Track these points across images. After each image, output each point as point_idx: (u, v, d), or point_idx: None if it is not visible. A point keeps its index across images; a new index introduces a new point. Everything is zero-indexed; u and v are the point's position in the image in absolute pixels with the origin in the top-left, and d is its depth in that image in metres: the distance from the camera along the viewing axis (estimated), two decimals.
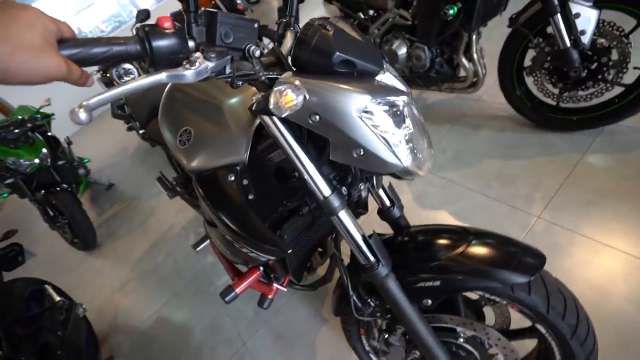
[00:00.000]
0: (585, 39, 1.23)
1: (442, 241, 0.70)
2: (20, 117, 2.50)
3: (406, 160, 0.57)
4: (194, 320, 1.68)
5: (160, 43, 0.43)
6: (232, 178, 0.75)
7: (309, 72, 0.55)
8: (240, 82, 0.53)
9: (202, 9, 0.48)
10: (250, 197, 0.76)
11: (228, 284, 1.09)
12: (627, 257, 1.07)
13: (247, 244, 0.79)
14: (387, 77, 0.59)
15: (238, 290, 1.07)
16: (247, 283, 1.09)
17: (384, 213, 0.83)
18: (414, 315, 0.70)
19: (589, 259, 1.12)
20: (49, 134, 2.67)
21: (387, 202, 0.81)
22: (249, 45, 0.51)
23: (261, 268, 1.11)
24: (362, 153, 0.55)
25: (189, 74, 0.45)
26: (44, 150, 2.39)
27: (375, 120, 0.54)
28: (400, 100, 0.57)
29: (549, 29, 1.32)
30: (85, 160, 2.95)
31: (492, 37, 1.87)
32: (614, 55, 1.28)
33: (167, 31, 0.43)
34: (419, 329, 0.71)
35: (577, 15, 1.20)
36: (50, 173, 2.45)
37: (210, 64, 0.46)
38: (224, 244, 0.93)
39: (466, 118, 1.86)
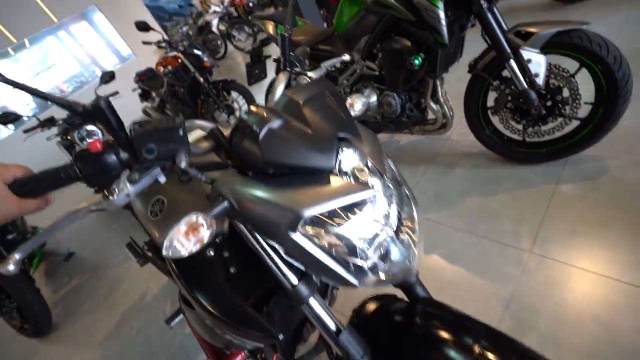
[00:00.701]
0: (540, 80, 1.33)
1: (452, 340, 0.54)
2: None
3: (366, 277, 0.52)
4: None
5: (90, 168, 0.46)
6: (212, 252, 0.67)
7: (250, 168, 0.52)
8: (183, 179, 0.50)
9: (132, 123, 0.48)
10: (232, 270, 0.68)
11: None
12: (625, 286, 1.06)
13: (229, 330, 0.68)
14: (339, 176, 0.51)
15: None
16: None
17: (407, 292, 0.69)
18: None
19: (588, 292, 1.11)
20: None
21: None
22: (178, 157, 0.48)
23: (246, 350, 0.98)
24: (310, 269, 0.52)
25: (107, 205, 0.48)
26: None
27: (322, 234, 0.49)
28: (361, 199, 0.50)
29: (506, 72, 1.43)
30: (39, 230, 2.67)
31: (451, 81, 2.01)
32: (566, 93, 1.40)
33: (97, 154, 0.45)
34: None
35: (529, 60, 1.31)
36: None
37: (132, 189, 0.48)
38: (202, 327, 0.82)
39: (439, 157, 1.92)
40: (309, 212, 0.46)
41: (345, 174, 0.51)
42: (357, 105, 0.67)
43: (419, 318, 0.60)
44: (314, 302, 0.57)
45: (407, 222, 0.58)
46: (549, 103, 1.43)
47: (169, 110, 3.70)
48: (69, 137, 2.59)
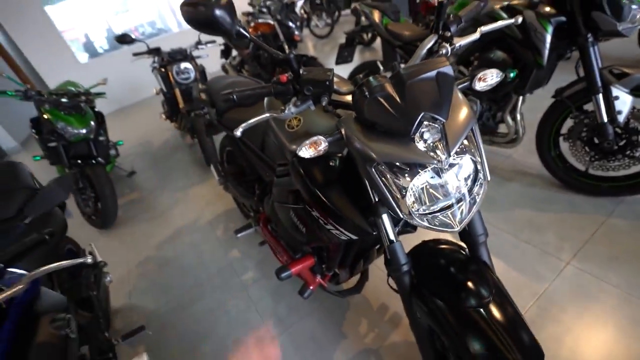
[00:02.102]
0: (621, 118, 1.46)
1: (468, 284, 0.76)
2: (74, 88, 2.62)
3: (411, 217, 0.68)
4: (218, 312, 1.68)
5: (278, 90, 0.74)
6: (333, 163, 0.88)
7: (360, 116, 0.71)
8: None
9: (303, 69, 0.73)
10: (344, 183, 0.87)
11: (282, 265, 1.16)
12: None
13: (335, 221, 0.88)
14: (422, 140, 0.66)
15: (293, 270, 1.15)
16: (302, 266, 1.17)
17: (462, 235, 0.86)
18: (412, 309, 0.86)
19: (617, 305, 1.25)
20: (96, 109, 2.77)
21: (467, 228, 0.84)
22: (322, 97, 0.74)
23: (315, 258, 1.19)
24: (377, 195, 0.72)
25: (282, 115, 0.75)
26: (92, 123, 2.47)
27: (386, 173, 0.67)
28: (420, 164, 0.65)
29: (588, 106, 1.57)
30: (120, 143, 3.02)
31: (529, 104, 2.14)
32: None
33: (283, 83, 0.74)
34: (415, 319, 0.89)
35: (617, 97, 1.45)
36: (89, 146, 2.51)
37: (294, 109, 0.75)
38: (300, 220, 1.00)
39: (498, 170, 2.06)
40: (381, 159, 0.65)
41: (425, 142, 0.66)
42: (490, 79, 0.82)
43: (463, 273, 0.78)
44: (385, 217, 0.78)
45: (471, 196, 0.72)
46: (622, 142, 1.55)
47: (246, 72, 4.00)
48: (166, 69, 2.91)
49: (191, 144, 3.64)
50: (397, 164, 0.66)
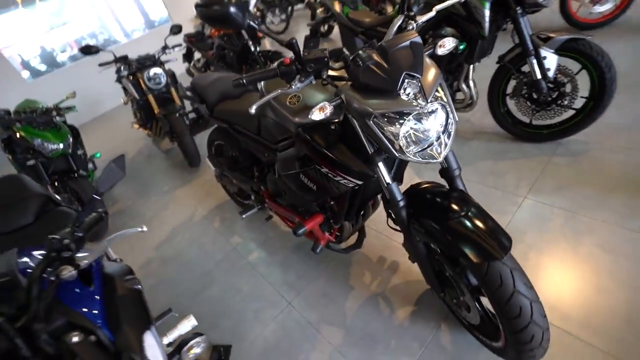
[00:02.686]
0: (551, 74, 1.78)
1: (451, 205, 0.96)
2: (44, 105, 2.58)
3: (404, 155, 0.86)
4: (231, 292, 1.81)
5: (283, 71, 0.92)
6: (334, 127, 1.06)
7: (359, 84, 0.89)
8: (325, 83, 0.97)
9: (304, 51, 0.91)
10: (344, 142, 1.06)
11: (297, 223, 1.33)
12: (604, 225, 1.51)
13: (342, 172, 1.06)
14: (405, 95, 0.84)
15: (307, 225, 1.32)
16: (313, 222, 1.34)
17: (442, 173, 1.09)
18: (412, 236, 1.06)
19: (564, 222, 1.55)
20: (69, 124, 2.74)
21: (446, 165, 1.06)
22: (322, 72, 0.92)
23: (323, 215, 1.37)
24: (376, 143, 0.90)
25: (288, 91, 0.93)
26: (69, 137, 2.46)
27: (382, 124, 0.85)
28: (407, 112, 0.83)
29: (525, 68, 1.87)
30: (98, 155, 2.99)
31: (479, 72, 2.45)
32: (568, 88, 1.84)
33: (287, 64, 0.91)
34: (415, 245, 1.08)
35: (545, 57, 1.75)
36: (67, 161, 2.50)
37: (300, 85, 0.93)
38: (310, 180, 1.17)
39: (460, 133, 2.35)
40: (377, 111, 0.84)
41: (408, 95, 0.85)
42: (447, 44, 1.05)
43: (446, 200, 0.99)
44: (381, 164, 0.97)
45: (446, 133, 0.92)
46: (554, 94, 1.87)
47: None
48: (137, 76, 2.92)
49: (168, 149, 3.66)
50: (389, 114, 0.86)
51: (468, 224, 0.92)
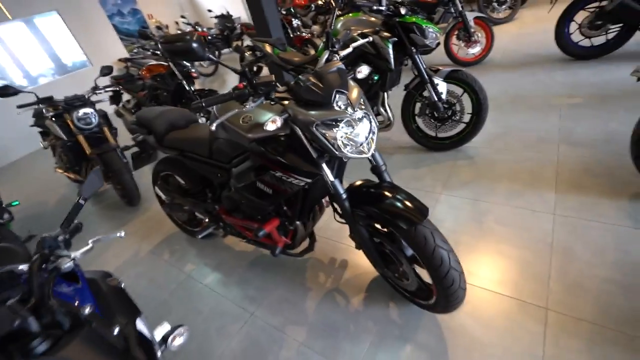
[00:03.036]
0: (443, 96, 2.29)
1: (382, 192, 1.23)
2: None
3: (342, 152, 1.08)
4: (191, 316, 1.81)
5: (239, 94, 1.11)
6: (282, 139, 1.29)
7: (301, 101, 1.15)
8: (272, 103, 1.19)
9: (253, 76, 1.15)
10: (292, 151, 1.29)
11: (256, 227, 1.48)
12: (497, 206, 1.95)
13: (294, 172, 1.26)
14: (337, 106, 1.10)
15: (266, 228, 1.48)
16: (271, 225, 1.51)
17: (373, 169, 1.38)
18: (355, 223, 1.29)
19: (471, 209, 1.96)
20: None
21: (375, 162, 1.36)
22: (271, 93, 1.14)
23: (279, 219, 1.54)
24: (321, 147, 1.14)
25: (244, 109, 1.11)
26: None
27: (323, 130, 1.10)
28: (340, 119, 1.07)
29: (425, 93, 2.38)
30: (16, 203, 2.71)
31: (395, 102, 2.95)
32: (458, 107, 2.38)
33: (240, 89, 1.10)
34: (359, 230, 1.31)
35: (437, 84, 2.27)
36: None
37: (253, 104, 1.10)
38: (266, 185, 1.35)
39: (383, 150, 2.77)
40: (319, 120, 1.09)
41: (339, 106, 1.13)
42: (364, 71, 1.39)
43: (378, 189, 1.27)
44: (324, 165, 1.20)
45: (371, 134, 1.22)
46: (449, 112, 2.40)
47: None
48: (64, 117, 2.81)
49: (99, 192, 3.45)
50: (327, 121, 1.11)
51: (396, 202, 1.19)
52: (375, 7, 2.08)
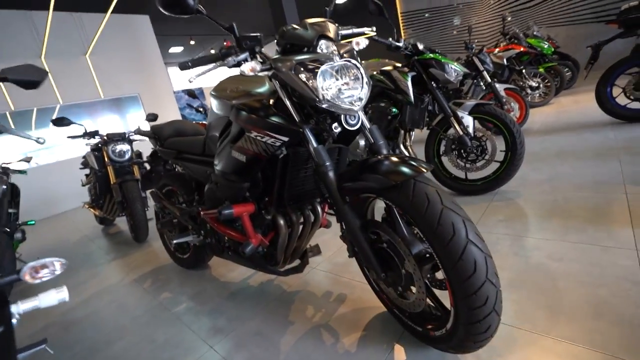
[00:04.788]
0: (470, 130, 2.09)
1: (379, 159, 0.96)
2: None
3: (324, 100, 0.92)
4: (142, 344, 1.43)
5: (227, 53, 1.05)
6: (266, 102, 1.15)
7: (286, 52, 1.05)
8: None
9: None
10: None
11: (226, 204, 1.23)
12: (547, 242, 1.51)
13: (271, 131, 1.08)
14: (322, 50, 1.00)
15: (235, 209, 1.23)
16: (244, 208, 1.25)
17: (371, 147, 1.13)
18: (344, 204, 1.01)
19: (509, 244, 1.52)
20: (11, 182, 2.61)
21: (371, 140, 1.11)
22: (256, 47, 1.07)
23: (255, 206, 1.28)
24: (297, 93, 0.99)
25: (228, 62, 1.03)
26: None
27: (303, 74, 0.95)
28: (321, 64, 0.93)
29: (450, 131, 2.20)
30: (31, 223, 2.73)
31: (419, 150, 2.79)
32: (488, 145, 2.14)
33: (228, 48, 1.06)
34: (346, 214, 1.02)
35: (462, 117, 2.10)
36: None
37: (235, 59, 1.03)
38: (240, 151, 1.18)
39: None
40: (298, 59, 0.96)
41: (322, 50, 1.01)
42: (362, 43, 1.29)
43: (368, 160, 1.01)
44: (307, 130, 1.02)
45: (361, 89, 1.02)
46: (478, 150, 2.15)
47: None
48: (102, 149, 3.03)
49: (114, 232, 3.42)
50: (309, 63, 0.98)
51: (394, 158, 0.92)
52: (394, 45, 2.14)
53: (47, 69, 4.58)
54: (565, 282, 1.21)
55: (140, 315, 1.67)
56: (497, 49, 4.45)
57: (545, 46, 4.73)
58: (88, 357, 1.42)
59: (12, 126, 5.48)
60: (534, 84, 4.67)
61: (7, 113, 5.41)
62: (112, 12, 5.75)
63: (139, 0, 6.35)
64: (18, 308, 0.82)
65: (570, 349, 0.93)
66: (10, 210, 2.38)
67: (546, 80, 4.77)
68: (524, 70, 4.47)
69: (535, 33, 5.25)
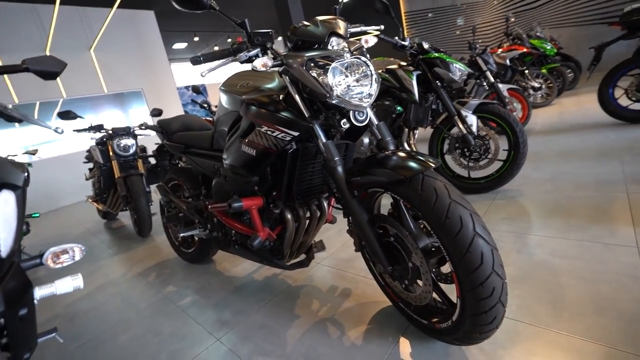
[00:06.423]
0: (474, 129, 2.10)
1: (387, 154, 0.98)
2: None
3: (335, 96, 0.93)
4: (148, 336, 1.44)
5: (237, 48, 1.08)
6: (276, 97, 1.16)
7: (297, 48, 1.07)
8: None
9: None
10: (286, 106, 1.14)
11: (235, 197, 1.24)
12: (550, 239, 1.52)
13: (281, 125, 1.08)
14: (332, 46, 1.02)
15: (244, 202, 1.24)
16: (253, 202, 1.27)
17: (378, 144, 1.14)
18: (351, 198, 1.02)
19: (512, 242, 1.54)
20: None
21: (379, 136, 1.13)
22: (267, 44, 1.09)
23: (264, 200, 1.30)
24: (307, 88, 0.99)
25: (240, 57, 1.06)
26: None
27: (313, 70, 0.96)
28: (332, 61, 0.94)
29: (454, 130, 2.22)
30: (36, 215, 2.75)
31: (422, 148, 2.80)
32: (491, 143, 2.15)
33: (239, 44, 1.09)
34: (354, 207, 1.03)
35: (466, 116, 2.12)
36: None
37: (247, 54, 1.05)
38: (250, 146, 1.19)
39: None
40: (309, 55, 0.97)
41: (333, 47, 1.03)
42: (370, 41, 1.30)
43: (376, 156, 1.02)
44: (316, 125, 1.03)
45: (371, 86, 1.03)
46: (482, 149, 2.16)
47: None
48: (107, 143, 3.04)
49: (117, 227, 3.43)
50: (319, 59, 0.99)
51: (402, 153, 0.94)
52: (400, 44, 2.15)
53: None
54: (567, 278, 1.22)
55: (145, 308, 1.69)
56: (500, 50, 4.46)
57: (548, 47, 4.74)
58: (94, 348, 1.44)
59: None
60: (536, 85, 4.68)
61: (11, 106, 5.42)
62: (118, 7, 5.76)
63: None
64: (36, 294, 0.84)
65: (572, 341, 0.95)
66: None
67: (548, 81, 4.78)
68: (526, 71, 4.48)
69: (538, 34, 5.26)
